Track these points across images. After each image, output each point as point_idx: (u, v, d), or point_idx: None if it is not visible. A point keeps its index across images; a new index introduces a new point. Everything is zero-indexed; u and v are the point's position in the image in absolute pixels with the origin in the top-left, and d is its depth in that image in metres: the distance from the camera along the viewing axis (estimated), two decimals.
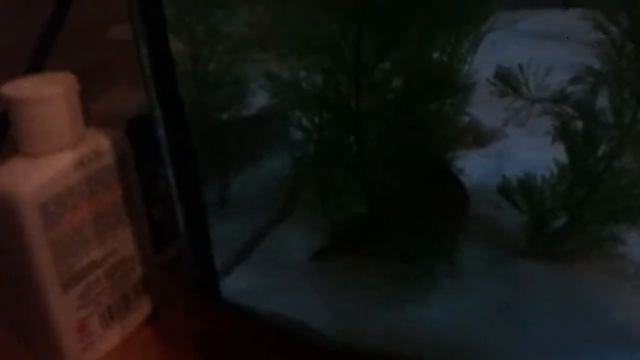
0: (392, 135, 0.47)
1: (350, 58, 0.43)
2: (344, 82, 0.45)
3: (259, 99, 0.58)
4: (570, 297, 0.44)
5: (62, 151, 0.49)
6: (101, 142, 0.51)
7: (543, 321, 0.43)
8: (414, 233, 0.47)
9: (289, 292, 0.49)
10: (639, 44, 0.39)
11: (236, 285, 0.51)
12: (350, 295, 0.48)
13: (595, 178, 0.44)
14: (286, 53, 0.46)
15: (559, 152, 0.48)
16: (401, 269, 0.47)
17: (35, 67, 0.64)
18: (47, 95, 0.47)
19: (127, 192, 0.54)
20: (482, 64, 0.50)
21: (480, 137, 0.59)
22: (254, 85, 0.57)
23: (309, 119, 0.48)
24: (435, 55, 0.46)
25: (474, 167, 0.52)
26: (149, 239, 0.57)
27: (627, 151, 0.43)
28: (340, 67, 0.43)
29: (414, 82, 0.44)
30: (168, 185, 0.53)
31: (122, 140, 0.53)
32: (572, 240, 0.46)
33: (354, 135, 0.47)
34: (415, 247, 0.47)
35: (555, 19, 0.84)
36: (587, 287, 0.44)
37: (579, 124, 0.45)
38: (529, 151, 0.55)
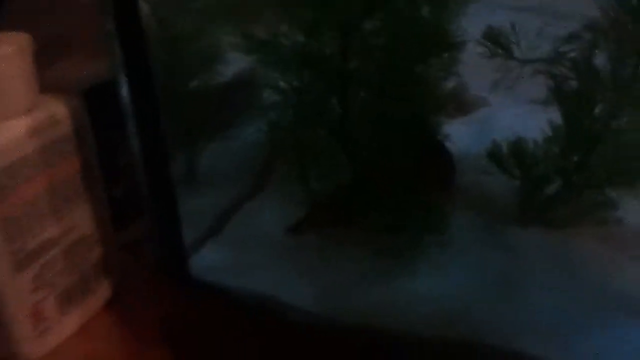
0: (377, 98, 0.44)
1: (336, 13, 0.40)
2: (327, 40, 0.41)
3: (232, 68, 0.55)
4: (565, 264, 0.42)
5: (14, 117, 0.44)
6: (57, 109, 0.47)
7: (539, 290, 0.41)
8: (401, 203, 0.44)
9: (265, 268, 0.45)
10: None
11: (206, 262, 0.47)
12: (332, 270, 0.44)
13: (591, 140, 0.42)
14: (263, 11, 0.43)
15: (544, 120, 0.46)
16: (387, 241, 0.44)
17: None
18: None
19: (85, 165, 0.49)
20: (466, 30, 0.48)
21: (462, 105, 0.57)
22: (227, 52, 0.53)
23: (287, 81, 0.44)
24: (424, 13, 0.43)
25: (457, 135, 0.50)
26: (108, 217, 0.52)
27: (625, 111, 0.41)
28: (324, 23, 0.40)
29: (401, 40, 0.41)
30: (130, 159, 0.49)
31: (79, 108, 0.48)
32: (567, 206, 0.44)
33: (337, 97, 0.44)
34: (402, 218, 0.44)
35: None
36: (583, 254, 0.42)
37: (574, 85, 0.42)
38: (513, 119, 0.53)
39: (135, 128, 0.46)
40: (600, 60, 0.41)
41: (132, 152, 0.48)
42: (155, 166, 0.47)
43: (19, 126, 0.44)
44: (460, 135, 0.52)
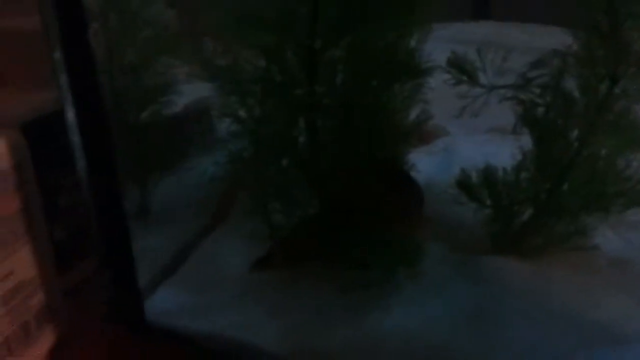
0: (342, 127, 0.42)
1: (302, 38, 0.38)
2: (291, 66, 0.39)
3: (184, 99, 0.52)
4: (542, 294, 0.41)
5: None
6: None
7: (515, 322, 0.39)
8: (369, 236, 0.42)
9: (228, 309, 0.42)
10: (614, 18, 0.37)
11: (164, 305, 0.44)
12: (298, 308, 0.42)
13: (565, 165, 0.41)
14: (225, 34, 0.40)
15: (505, 148, 0.45)
16: (356, 275, 0.42)
17: None
18: None
19: (25, 204, 0.45)
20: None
21: (424, 135, 0.56)
22: (181, 83, 0.50)
23: (248, 109, 0.42)
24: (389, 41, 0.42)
25: (420, 164, 0.48)
26: (52, 259, 0.48)
27: (599, 135, 0.40)
28: (289, 48, 0.38)
29: (368, 66, 0.40)
30: (73, 198, 0.46)
31: (19, 142, 0.45)
32: (541, 234, 0.43)
33: (300, 126, 0.42)
34: (370, 251, 0.42)
35: (471, 28, 0.84)
36: (560, 284, 0.41)
37: (543, 111, 0.42)
38: (474, 148, 0.52)
39: (85, 162, 0.43)
40: (569, 84, 0.40)
41: (76, 191, 0.45)
42: (107, 202, 0.44)
43: None
44: (423, 165, 0.51)
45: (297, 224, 0.44)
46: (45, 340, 0.48)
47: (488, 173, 0.43)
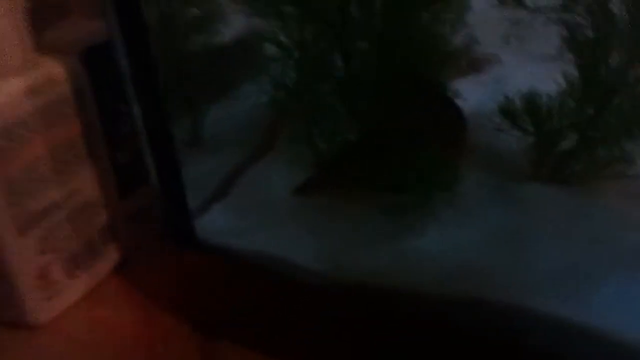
0: (383, 52, 0.42)
1: None
2: None
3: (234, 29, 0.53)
4: (578, 219, 0.40)
5: (10, 76, 0.43)
6: (54, 69, 0.46)
7: (549, 246, 0.39)
8: (409, 161, 0.43)
9: (271, 229, 0.44)
10: None
11: (213, 225, 0.46)
12: (338, 229, 0.43)
13: (607, 91, 0.40)
14: None
15: (559, 77, 0.44)
16: (395, 199, 0.43)
17: None
18: None
19: (86, 128, 0.48)
20: None
21: (475, 63, 0.55)
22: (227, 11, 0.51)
23: (289, 36, 0.43)
24: None
25: (469, 92, 0.48)
26: (113, 181, 0.51)
27: None
28: None
29: None
30: (132, 125, 0.48)
31: (78, 68, 0.47)
32: (582, 161, 0.43)
33: (341, 53, 0.42)
34: (411, 176, 0.43)
35: None
36: (598, 210, 0.41)
37: (589, 34, 0.40)
38: (526, 77, 0.51)
39: (134, 91, 0.45)
40: (616, 5, 0.39)
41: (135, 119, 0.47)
42: (156, 129, 0.46)
43: (15, 85, 0.43)
44: (473, 93, 0.50)
45: (338, 149, 0.45)
46: (110, 256, 0.52)
47: (531, 99, 0.43)
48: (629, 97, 0.40)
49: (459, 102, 0.47)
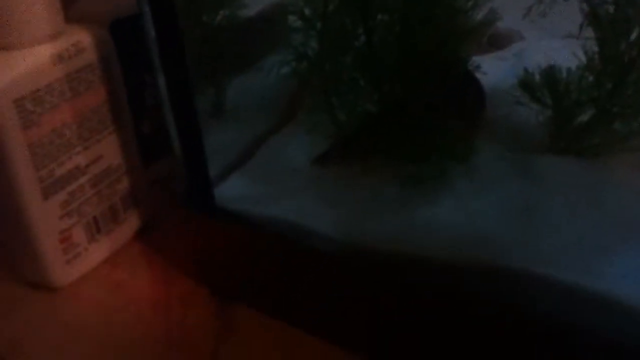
0: (404, 25, 0.43)
1: None
2: None
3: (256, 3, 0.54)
4: (595, 192, 0.41)
5: (39, 44, 0.44)
6: (82, 37, 0.47)
7: (564, 217, 0.40)
8: (429, 132, 0.43)
9: (290, 197, 0.45)
10: None
11: (232, 192, 0.47)
12: (356, 198, 0.44)
13: (627, 65, 0.40)
14: None
15: (580, 54, 0.44)
16: (413, 170, 0.43)
17: None
18: None
19: (112, 96, 0.49)
20: None
21: (496, 39, 0.55)
22: None
23: (312, 8, 0.43)
24: None
25: (490, 68, 0.48)
26: (136, 149, 0.53)
27: None
28: None
29: None
30: (157, 96, 0.49)
31: (105, 38, 0.48)
32: (600, 134, 0.43)
33: (363, 25, 0.43)
34: (430, 147, 0.43)
35: None
36: (616, 183, 0.41)
37: (610, 9, 0.40)
38: (549, 52, 0.50)
39: (160, 62, 0.46)
40: None
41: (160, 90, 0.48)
42: (180, 100, 0.46)
43: (43, 52, 0.44)
44: (494, 69, 0.50)
45: (358, 121, 0.46)
46: (132, 222, 0.53)
47: (551, 73, 0.43)
48: None
49: (479, 76, 0.47)
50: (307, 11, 0.44)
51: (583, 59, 0.43)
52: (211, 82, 0.53)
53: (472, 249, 0.38)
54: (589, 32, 0.43)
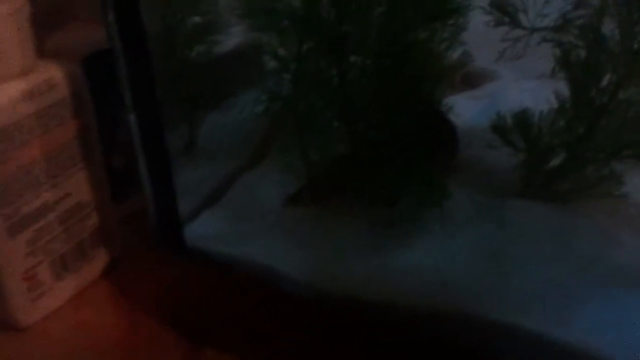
0: (377, 66, 0.43)
1: None
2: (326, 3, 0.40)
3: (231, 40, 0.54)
4: (564, 238, 0.40)
5: (10, 80, 0.44)
6: (54, 73, 0.46)
7: (533, 263, 0.39)
8: (400, 174, 0.43)
9: (262, 237, 0.45)
10: None
11: (203, 230, 0.46)
12: (328, 241, 0.43)
13: (598, 110, 0.40)
14: None
15: (551, 95, 0.44)
16: (386, 212, 0.43)
17: None
18: None
19: (83, 132, 0.48)
20: None
21: (470, 78, 0.55)
22: (227, 22, 0.52)
23: (286, 48, 0.43)
24: None
25: (463, 108, 0.48)
26: (107, 185, 0.52)
27: (634, 81, 0.39)
28: None
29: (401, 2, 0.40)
30: (129, 131, 0.49)
31: (78, 73, 0.48)
32: (571, 179, 0.43)
33: (337, 66, 0.43)
34: (402, 189, 0.43)
35: None
36: (584, 229, 0.41)
37: (582, 54, 0.41)
38: (522, 94, 0.51)
39: (130, 98, 0.45)
40: (609, 28, 0.39)
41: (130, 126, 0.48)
42: (150, 137, 0.46)
43: (14, 89, 0.43)
44: (467, 109, 0.50)
45: (329, 161, 0.46)
46: (100, 260, 0.52)
47: (523, 117, 0.43)
48: (618, 118, 0.40)
49: (453, 117, 0.47)
50: (281, 52, 0.44)
51: (554, 101, 0.44)
52: (184, 118, 0.52)
53: (442, 296, 0.38)
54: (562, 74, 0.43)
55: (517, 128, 0.43)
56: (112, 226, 0.52)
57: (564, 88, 0.43)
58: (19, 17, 0.44)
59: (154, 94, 0.45)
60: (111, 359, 0.45)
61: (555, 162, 0.43)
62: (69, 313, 0.48)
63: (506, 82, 0.55)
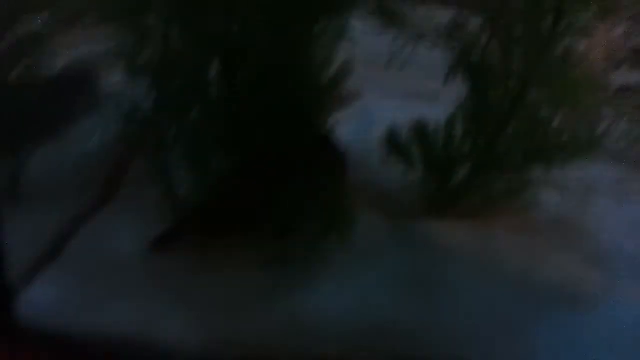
0: (257, 87, 0.36)
1: None
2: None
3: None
4: (483, 257, 0.37)
5: None
6: None
7: (460, 288, 0.35)
8: (289, 204, 0.36)
9: (121, 301, 0.35)
10: None
11: (40, 301, 0.36)
12: (210, 292, 0.35)
13: (503, 115, 0.37)
14: None
15: (423, 112, 0.41)
16: (278, 248, 0.36)
17: None
18: None
19: None
20: None
21: (339, 97, 0.50)
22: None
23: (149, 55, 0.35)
24: None
25: (338, 129, 0.43)
26: None
27: (541, 79, 0.36)
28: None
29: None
30: None
31: None
32: (479, 193, 0.39)
33: (211, 83, 0.36)
34: (292, 220, 0.36)
35: None
36: (501, 245, 0.38)
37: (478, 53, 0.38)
38: (389, 112, 0.48)
39: None
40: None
41: None
42: None
43: None
44: (340, 129, 0.45)
45: (206, 192, 0.38)
46: None
47: (419, 130, 0.39)
48: (524, 123, 0.37)
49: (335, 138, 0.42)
50: (138, 59, 0.35)
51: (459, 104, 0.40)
52: (3, 155, 0.41)
53: (368, 341, 0.31)
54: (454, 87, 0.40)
55: (414, 142, 0.38)
56: None
57: (433, 109, 0.41)
58: None
59: None
60: None
61: (460, 175, 0.39)
62: None
63: (372, 101, 0.51)
